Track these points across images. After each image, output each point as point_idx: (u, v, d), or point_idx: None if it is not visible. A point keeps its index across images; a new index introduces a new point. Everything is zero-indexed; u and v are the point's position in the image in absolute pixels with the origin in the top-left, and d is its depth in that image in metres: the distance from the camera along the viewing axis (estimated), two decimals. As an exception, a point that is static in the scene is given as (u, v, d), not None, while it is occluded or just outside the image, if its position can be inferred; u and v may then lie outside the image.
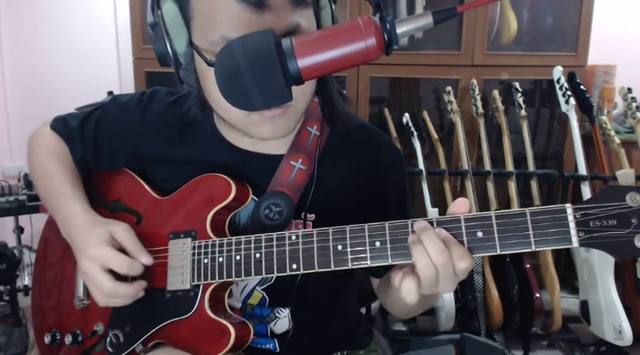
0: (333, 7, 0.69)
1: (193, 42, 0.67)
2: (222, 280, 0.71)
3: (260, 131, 0.70)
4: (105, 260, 0.73)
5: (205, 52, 0.65)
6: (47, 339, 0.85)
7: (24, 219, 2.44)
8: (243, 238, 0.70)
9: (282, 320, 0.81)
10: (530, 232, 0.56)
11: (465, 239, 0.58)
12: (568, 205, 0.55)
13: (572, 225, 0.55)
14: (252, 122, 0.69)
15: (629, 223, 0.53)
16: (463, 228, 0.59)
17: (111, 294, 0.73)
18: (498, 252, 0.57)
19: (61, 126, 0.90)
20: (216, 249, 0.72)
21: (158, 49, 0.68)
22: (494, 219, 0.58)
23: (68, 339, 0.82)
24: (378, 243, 0.62)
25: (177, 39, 0.67)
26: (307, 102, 0.72)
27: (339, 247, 0.64)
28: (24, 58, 2.85)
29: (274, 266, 0.67)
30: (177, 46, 0.67)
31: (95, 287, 0.74)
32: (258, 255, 0.68)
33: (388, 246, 0.61)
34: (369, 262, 0.62)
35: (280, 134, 0.71)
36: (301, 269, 0.66)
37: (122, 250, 0.74)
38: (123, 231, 0.75)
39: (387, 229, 0.62)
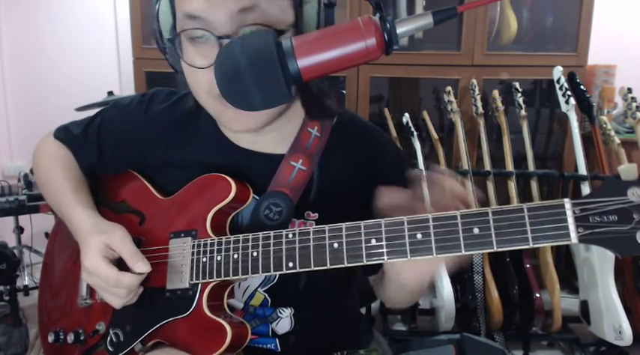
0: (322, 3, 0.68)
1: (176, 29, 0.69)
2: (219, 278, 0.71)
3: (234, 124, 0.72)
4: (95, 272, 0.73)
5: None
6: (51, 338, 0.86)
7: (24, 219, 2.45)
8: (241, 237, 0.70)
9: (284, 320, 0.81)
10: (528, 228, 0.54)
11: (460, 235, 0.57)
12: (567, 200, 0.54)
13: (570, 220, 0.53)
14: (227, 116, 0.71)
15: (631, 219, 0.51)
16: (459, 224, 0.57)
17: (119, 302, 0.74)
18: (495, 248, 0.56)
19: (64, 134, 0.92)
20: (215, 247, 0.72)
21: (155, 38, 0.72)
22: (490, 214, 0.56)
23: (70, 338, 0.82)
24: (374, 241, 0.61)
25: (165, 27, 0.70)
26: None
27: (335, 245, 0.63)
28: (24, 58, 2.85)
29: (271, 264, 0.67)
30: (164, 32, 0.71)
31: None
32: (255, 254, 0.68)
33: (384, 243, 0.61)
34: (364, 260, 0.62)
35: (253, 128, 0.72)
36: (297, 268, 0.65)
37: (120, 258, 0.75)
38: (119, 240, 0.75)
39: (382, 226, 0.61)
